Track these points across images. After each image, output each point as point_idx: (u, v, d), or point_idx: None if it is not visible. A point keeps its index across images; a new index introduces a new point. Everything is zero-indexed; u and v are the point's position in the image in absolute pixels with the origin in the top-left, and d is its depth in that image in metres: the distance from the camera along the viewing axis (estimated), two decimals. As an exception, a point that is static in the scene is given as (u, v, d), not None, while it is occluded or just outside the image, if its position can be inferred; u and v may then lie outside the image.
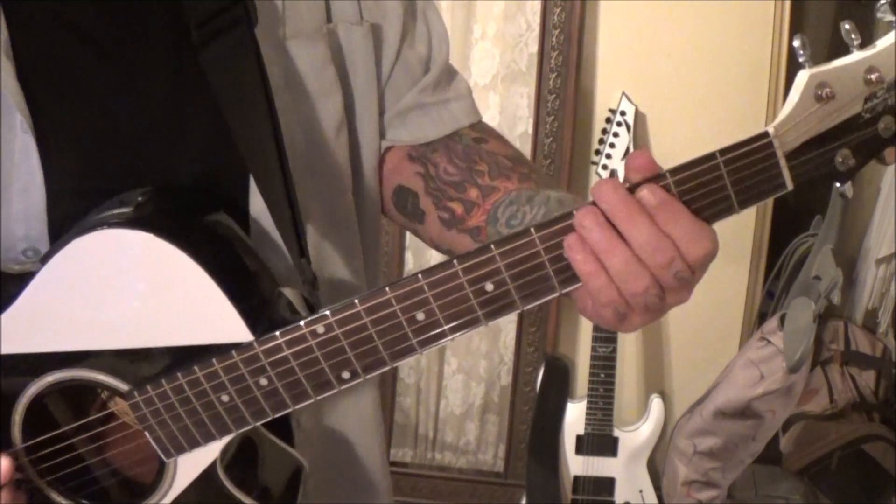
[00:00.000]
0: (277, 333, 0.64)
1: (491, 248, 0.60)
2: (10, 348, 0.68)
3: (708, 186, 0.58)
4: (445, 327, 0.63)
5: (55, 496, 0.73)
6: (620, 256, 0.59)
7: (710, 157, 0.58)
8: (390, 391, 2.33)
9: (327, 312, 0.63)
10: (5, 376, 0.69)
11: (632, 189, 0.59)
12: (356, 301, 0.63)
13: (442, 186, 0.82)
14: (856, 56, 0.57)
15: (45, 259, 0.66)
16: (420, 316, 0.62)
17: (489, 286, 0.61)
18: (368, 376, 0.65)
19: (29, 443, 0.71)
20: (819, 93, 0.57)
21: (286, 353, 0.65)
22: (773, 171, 0.58)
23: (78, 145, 0.70)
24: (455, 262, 0.61)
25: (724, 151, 0.58)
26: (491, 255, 0.60)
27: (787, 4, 2.03)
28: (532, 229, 0.60)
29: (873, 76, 0.57)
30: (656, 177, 0.59)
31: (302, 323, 0.64)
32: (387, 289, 0.62)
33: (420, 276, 0.61)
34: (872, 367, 2.11)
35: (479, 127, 0.87)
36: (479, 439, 2.42)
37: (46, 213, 0.70)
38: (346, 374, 0.65)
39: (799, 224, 2.31)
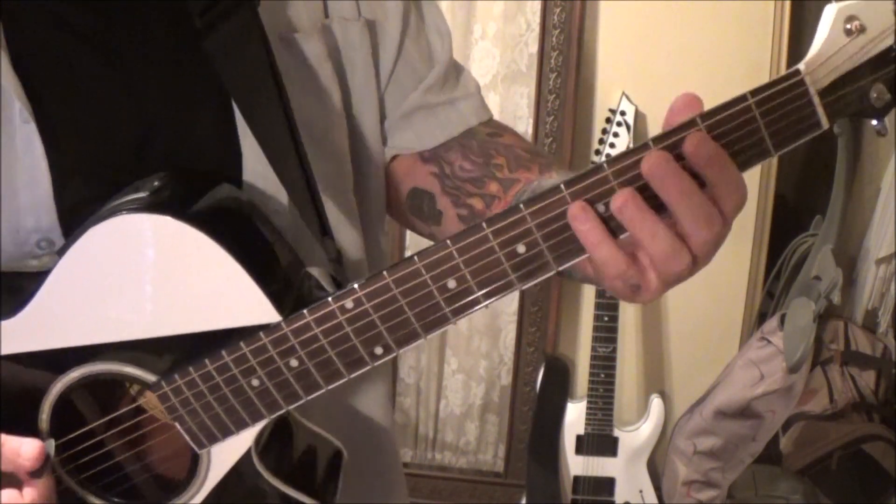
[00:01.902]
0: (305, 311, 0.63)
1: (521, 208, 0.58)
2: (32, 345, 0.67)
3: (742, 129, 0.56)
4: (479, 293, 0.60)
5: (87, 495, 0.72)
6: (665, 239, 0.56)
7: (741, 98, 0.55)
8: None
9: (355, 286, 0.62)
10: (29, 375, 0.68)
11: (673, 147, 0.56)
12: (384, 273, 0.61)
13: (459, 184, 0.81)
14: None
15: (62, 251, 0.65)
16: (451, 284, 0.60)
17: (521, 248, 0.59)
18: (402, 349, 0.64)
19: (56, 442, 0.70)
20: (848, 26, 0.55)
21: (315, 331, 0.63)
22: (807, 110, 0.56)
23: (81, 130, 0.70)
24: (484, 224, 0.59)
25: (754, 92, 0.55)
26: (521, 216, 0.58)
27: (787, 4, 2.03)
28: (562, 185, 0.58)
29: None
30: (687, 123, 0.56)
31: (330, 299, 0.62)
32: (415, 258, 0.60)
33: (449, 241, 0.59)
34: (872, 367, 2.11)
35: (492, 123, 0.86)
36: (479, 439, 2.42)
37: (55, 201, 0.69)
38: (378, 350, 0.63)
39: (799, 224, 2.31)
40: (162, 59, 0.71)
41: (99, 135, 0.70)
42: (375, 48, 0.80)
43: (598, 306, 2.05)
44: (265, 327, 0.64)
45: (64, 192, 0.69)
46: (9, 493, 0.65)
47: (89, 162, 0.70)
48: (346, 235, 0.81)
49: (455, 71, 0.87)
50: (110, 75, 0.69)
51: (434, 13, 0.85)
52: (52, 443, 0.69)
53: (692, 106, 0.57)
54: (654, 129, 2.10)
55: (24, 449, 0.65)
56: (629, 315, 2.25)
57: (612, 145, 1.99)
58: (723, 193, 0.56)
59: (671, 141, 0.56)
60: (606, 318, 2.05)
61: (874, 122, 0.58)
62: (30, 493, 0.65)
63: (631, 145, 2.00)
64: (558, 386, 2.19)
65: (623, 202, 0.56)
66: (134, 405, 0.71)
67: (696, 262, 0.59)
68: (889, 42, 0.56)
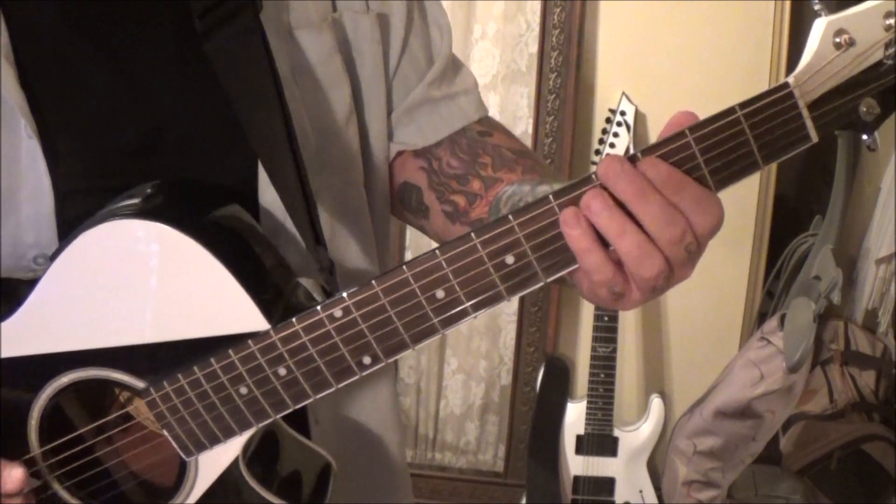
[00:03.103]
0: (294, 320, 0.63)
1: (509, 219, 0.58)
2: (22, 350, 0.67)
3: (730, 142, 0.56)
4: (467, 304, 0.60)
5: (74, 501, 0.71)
6: (633, 238, 0.57)
7: (729, 111, 0.56)
8: (390, 391, 2.33)
9: (344, 295, 0.61)
10: (19, 379, 0.68)
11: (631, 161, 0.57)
12: (373, 282, 0.61)
13: (445, 180, 0.81)
14: (873, 2, 0.55)
15: (54, 256, 0.65)
16: (440, 294, 0.60)
17: (510, 259, 0.59)
18: (390, 360, 0.63)
19: (46, 447, 0.70)
20: (837, 40, 0.55)
21: (304, 339, 0.63)
22: (795, 123, 0.56)
23: (85, 146, 0.69)
24: (473, 234, 0.58)
25: (743, 105, 0.56)
26: (509, 226, 0.58)
27: (787, 4, 2.03)
28: (550, 196, 0.58)
29: (892, 21, 0.55)
30: (676, 135, 0.56)
31: (318, 307, 0.62)
32: (404, 267, 0.60)
33: (437, 251, 0.59)
34: (872, 367, 2.11)
35: (486, 121, 0.86)
36: (479, 439, 2.42)
37: (56, 217, 0.68)
38: (366, 360, 0.63)
39: (799, 224, 2.31)
40: (169, 66, 0.70)
41: (102, 151, 0.70)
42: (385, 42, 0.81)
43: (598, 306, 2.05)
44: (254, 335, 0.64)
45: (65, 208, 0.69)
46: None
47: (92, 178, 0.70)
48: (356, 230, 0.81)
49: (454, 66, 0.87)
50: (118, 89, 0.69)
51: (434, 8, 0.86)
52: (38, 456, 0.70)
53: (688, 123, 0.57)
54: (654, 128, 2.10)
55: (9, 473, 0.65)
56: (629, 315, 2.25)
57: (611, 145, 1.99)
58: (688, 212, 0.57)
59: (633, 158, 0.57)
60: (606, 318, 2.05)
61: (864, 136, 0.58)
62: None
63: (631, 146, 2.01)
64: (558, 386, 2.19)
65: (591, 197, 0.57)
66: (122, 411, 0.71)
67: (672, 269, 0.59)
68: (878, 56, 0.56)
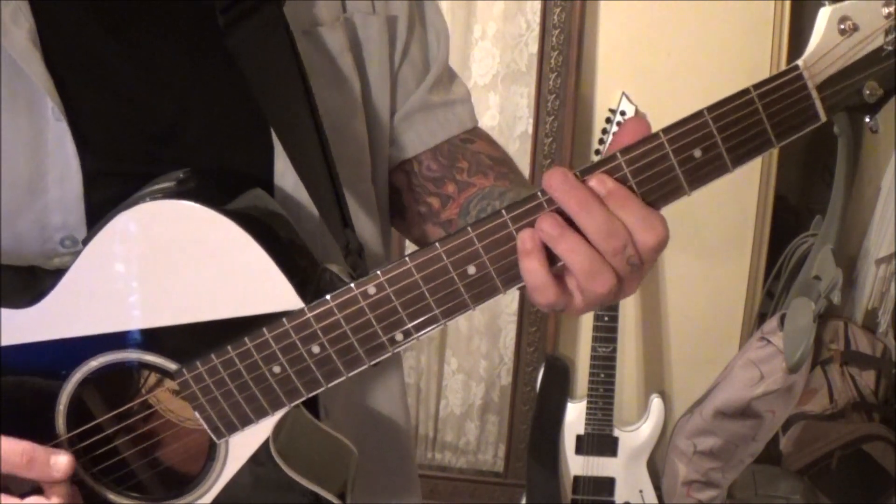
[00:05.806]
0: (328, 297, 0.64)
1: (538, 195, 0.60)
2: (53, 334, 0.67)
3: (744, 121, 0.59)
4: (497, 280, 0.62)
5: (101, 488, 0.71)
6: (584, 255, 0.59)
7: (743, 92, 0.59)
8: (390, 391, 2.33)
9: (378, 272, 0.63)
10: (48, 363, 0.68)
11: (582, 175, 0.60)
12: (406, 258, 0.62)
13: (423, 182, 0.84)
14: None
15: (87, 240, 0.65)
16: (471, 270, 0.62)
17: None
18: (420, 335, 0.65)
19: (74, 432, 0.69)
20: (842, 26, 0.59)
21: (338, 316, 0.64)
22: (805, 103, 0.60)
23: (110, 131, 0.70)
24: (503, 211, 0.61)
25: (757, 86, 0.59)
26: (539, 202, 0.60)
27: (787, 4, 2.03)
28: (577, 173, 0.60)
29: (891, 9, 0.59)
30: (693, 115, 0.59)
31: (352, 284, 0.63)
32: (437, 244, 0.62)
33: (469, 228, 0.61)
34: (872, 367, 2.12)
35: (472, 130, 0.89)
36: (479, 439, 2.42)
37: (84, 199, 0.69)
38: (398, 336, 0.65)
39: (799, 224, 2.32)
40: (190, 56, 0.71)
41: (129, 133, 0.71)
42: (392, 44, 0.82)
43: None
44: (288, 313, 0.65)
45: (93, 190, 0.69)
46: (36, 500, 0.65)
47: (120, 161, 0.70)
48: (366, 224, 0.82)
49: (449, 74, 0.89)
50: (140, 74, 0.70)
51: (434, 13, 0.87)
52: (65, 443, 0.69)
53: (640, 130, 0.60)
54: (654, 128, 2.10)
55: (56, 460, 0.65)
56: (629, 315, 2.25)
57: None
58: (632, 227, 0.59)
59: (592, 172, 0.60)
60: (606, 318, 2.05)
61: (867, 118, 0.62)
62: (56, 500, 0.66)
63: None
64: (558, 386, 2.19)
65: (541, 219, 0.59)
66: (151, 395, 0.71)
67: (622, 284, 0.61)
68: (880, 42, 0.60)
